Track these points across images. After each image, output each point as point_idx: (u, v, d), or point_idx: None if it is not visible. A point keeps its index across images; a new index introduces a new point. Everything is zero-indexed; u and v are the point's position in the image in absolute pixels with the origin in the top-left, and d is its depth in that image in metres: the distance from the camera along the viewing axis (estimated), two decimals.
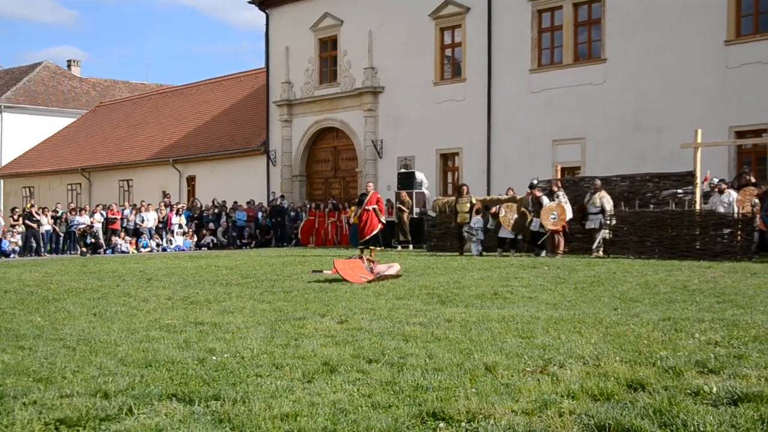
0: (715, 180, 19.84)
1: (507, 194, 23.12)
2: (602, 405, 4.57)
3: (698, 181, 18.45)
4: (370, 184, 21.24)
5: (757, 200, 17.52)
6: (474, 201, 21.43)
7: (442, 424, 4.26)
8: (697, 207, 18.21)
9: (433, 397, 4.78)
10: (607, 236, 19.06)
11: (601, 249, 18.85)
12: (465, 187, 21.84)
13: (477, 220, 20.79)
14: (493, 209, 20.48)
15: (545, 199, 19.65)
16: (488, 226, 20.64)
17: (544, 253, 19.24)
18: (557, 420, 4.27)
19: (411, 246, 25.28)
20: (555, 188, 19.71)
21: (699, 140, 18.36)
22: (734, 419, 4.20)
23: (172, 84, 57.42)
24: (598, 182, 19.46)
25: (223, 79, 45.59)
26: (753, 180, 18.72)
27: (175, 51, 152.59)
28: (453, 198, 22.84)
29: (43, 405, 4.73)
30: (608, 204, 18.98)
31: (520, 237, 20.38)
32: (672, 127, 23.01)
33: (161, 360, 6.07)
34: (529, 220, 19.99)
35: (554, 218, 19.01)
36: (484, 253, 20.21)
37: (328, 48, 33.94)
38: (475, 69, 28.55)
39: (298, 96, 34.72)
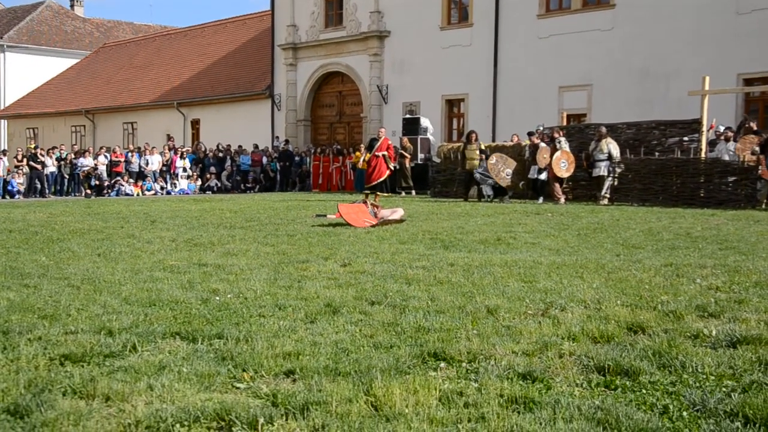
0: (721, 128, 19.73)
1: (512, 140, 23.08)
2: (602, 347, 4.60)
3: (704, 128, 18.33)
4: (382, 130, 21.12)
5: (757, 148, 17.41)
6: (483, 147, 21.37)
7: (443, 364, 4.29)
8: (703, 155, 18.14)
9: (434, 338, 4.82)
10: (615, 183, 19.03)
11: (608, 195, 18.82)
12: (474, 134, 21.75)
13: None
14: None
15: (543, 146, 19.66)
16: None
17: (541, 200, 19.28)
18: (557, 361, 4.32)
19: (414, 191, 25.29)
20: (557, 135, 19.64)
21: (706, 87, 18.20)
22: (732, 361, 4.24)
23: (176, 26, 56.88)
24: (603, 129, 19.35)
25: (227, 22, 45.08)
26: (755, 128, 18.58)
27: None
28: (458, 144, 22.76)
29: (48, 341, 4.77)
30: (615, 150, 18.89)
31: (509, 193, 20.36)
32: (680, 74, 22.79)
33: (165, 299, 6.11)
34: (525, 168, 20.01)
35: (565, 166, 18.98)
36: (494, 200, 20.19)
37: None
38: (482, 14, 28.18)
39: (303, 39, 34.37)
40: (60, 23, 56.79)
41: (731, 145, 18.07)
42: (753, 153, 17.32)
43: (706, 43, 22.72)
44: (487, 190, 20.47)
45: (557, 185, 19.08)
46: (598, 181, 19.07)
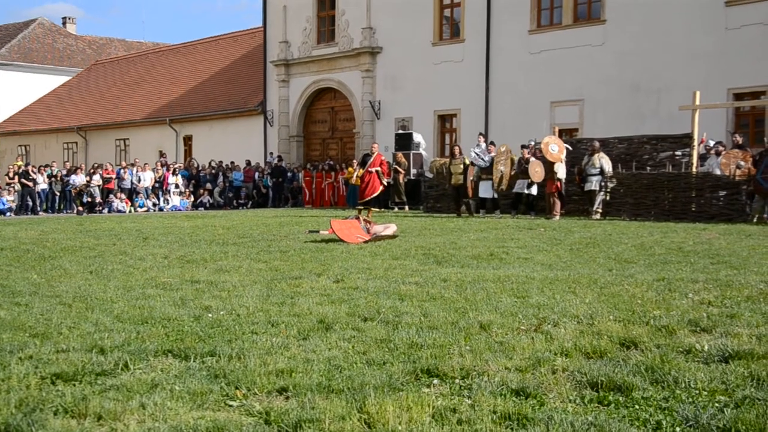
0: (711, 142, 19.82)
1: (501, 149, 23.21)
2: (595, 362, 4.60)
3: (695, 143, 18.41)
4: (375, 145, 21.15)
5: (742, 162, 17.48)
6: (467, 162, 21.41)
7: (436, 381, 4.29)
8: (694, 169, 18.20)
9: (427, 354, 4.81)
10: (607, 198, 19.06)
11: (600, 211, 18.84)
12: (458, 148, 21.86)
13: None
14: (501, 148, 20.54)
15: (534, 160, 19.68)
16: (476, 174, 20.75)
17: (533, 214, 19.30)
18: (550, 377, 4.31)
19: (407, 207, 25.31)
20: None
21: (697, 102, 18.30)
22: (725, 376, 4.24)
23: (168, 43, 57.00)
24: (597, 144, 19.41)
25: (219, 38, 45.19)
26: (740, 142, 18.68)
27: (171, 9, 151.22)
28: (449, 160, 22.83)
29: (39, 360, 4.75)
30: (607, 165, 18.94)
31: (495, 196, 20.36)
32: (670, 89, 22.90)
33: (157, 317, 6.09)
34: (503, 180, 20.05)
35: (555, 150, 18.91)
36: (476, 215, 20.31)
37: (326, 7, 33.60)
38: (473, 29, 28.32)
39: (295, 56, 34.46)
40: (52, 41, 56.81)
41: (721, 159, 18.16)
42: (738, 167, 17.39)
43: (697, 58, 22.86)
44: (476, 171, 20.56)
45: (559, 202, 19.06)
46: (590, 195, 19.10)
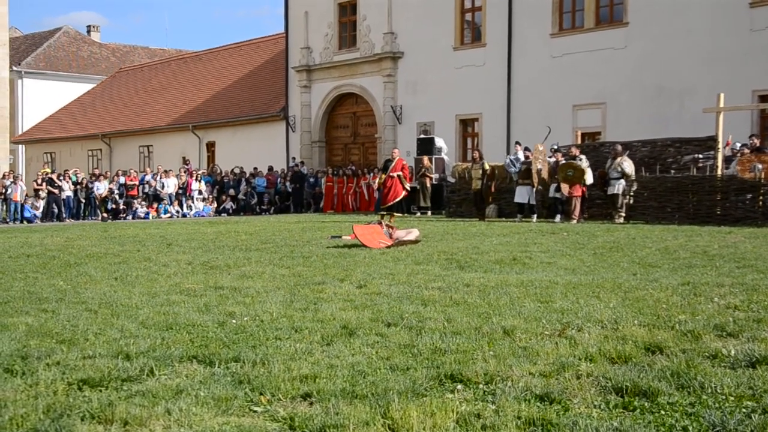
0: (738, 145, 19.61)
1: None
2: (620, 368, 4.58)
3: (720, 146, 18.23)
4: (396, 150, 21.13)
5: (759, 165, 17.25)
6: (487, 167, 21.34)
7: (460, 386, 4.29)
8: (719, 172, 18.02)
9: (451, 359, 4.81)
10: (630, 201, 18.92)
11: (623, 214, 18.70)
12: (477, 153, 21.81)
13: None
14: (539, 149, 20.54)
15: (564, 163, 19.57)
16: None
17: (558, 218, 19.17)
18: (575, 382, 4.29)
19: (429, 212, 25.24)
20: (575, 153, 19.59)
21: (722, 104, 18.13)
22: (752, 381, 4.21)
23: (191, 49, 57.42)
24: (619, 147, 19.28)
25: (242, 45, 45.47)
26: (758, 144, 18.45)
27: (194, 16, 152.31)
28: (470, 164, 22.81)
29: (66, 366, 4.80)
30: (630, 168, 18.81)
31: (533, 202, 20.27)
32: (694, 91, 22.74)
33: (182, 323, 6.13)
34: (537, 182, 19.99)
35: (571, 174, 18.85)
36: (504, 219, 20.21)
37: (348, 13, 33.71)
38: (495, 33, 28.28)
39: (317, 61, 34.58)
40: (77, 49, 57.41)
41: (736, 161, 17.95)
42: (752, 171, 17.16)
43: (721, 60, 22.68)
44: (512, 172, 20.81)
45: (579, 206, 18.96)
46: (612, 199, 18.98)
